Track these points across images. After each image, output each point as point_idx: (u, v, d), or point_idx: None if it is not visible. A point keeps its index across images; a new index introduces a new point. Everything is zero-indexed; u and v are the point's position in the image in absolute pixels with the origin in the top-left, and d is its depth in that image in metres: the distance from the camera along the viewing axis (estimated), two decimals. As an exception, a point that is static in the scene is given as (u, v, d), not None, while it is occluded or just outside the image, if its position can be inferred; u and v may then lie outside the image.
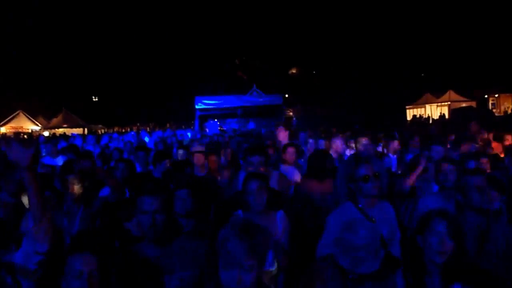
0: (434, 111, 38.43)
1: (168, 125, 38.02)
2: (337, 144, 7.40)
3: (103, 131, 37.34)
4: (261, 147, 6.14)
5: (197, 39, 53.11)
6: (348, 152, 8.08)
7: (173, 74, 52.22)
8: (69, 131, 31.31)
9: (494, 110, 35.82)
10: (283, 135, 7.10)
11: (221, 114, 34.12)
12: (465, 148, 7.21)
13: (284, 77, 53.64)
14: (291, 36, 52.02)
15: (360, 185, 3.45)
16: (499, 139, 8.81)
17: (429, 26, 48.39)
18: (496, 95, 40.68)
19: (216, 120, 34.15)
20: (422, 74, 48.63)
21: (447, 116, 33.35)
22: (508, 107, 36.99)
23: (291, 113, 42.49)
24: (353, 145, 8.18)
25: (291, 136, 9.24)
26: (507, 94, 40.06)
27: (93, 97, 57.06)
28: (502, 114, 33.56)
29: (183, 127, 33.44)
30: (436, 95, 39.58)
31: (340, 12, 51.32)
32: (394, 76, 45.99)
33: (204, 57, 51.95)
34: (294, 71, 57.56)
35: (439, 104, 38.68)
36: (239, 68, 56.98)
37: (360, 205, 3.49)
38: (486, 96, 40.75)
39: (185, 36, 53.38)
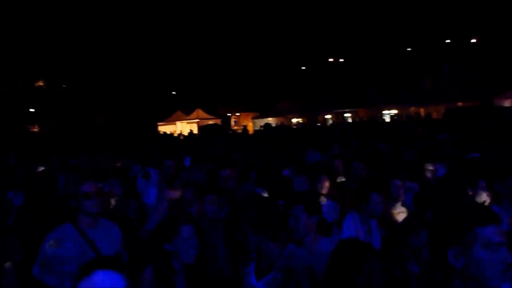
0: (184, 127, 40.37)
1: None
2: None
3: None
4: None
5: None
6: None
7: None
8: None
9: (235, 127, 40.19)
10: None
11: None
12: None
13: (29, 90, 48.98)
14: (36, 46, 48.05)
15: (82, 202, 3.40)
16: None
17: (178, 49, 51.06)
18: (238, 114, 45.74)
19: None
20: (174, 92, 50.76)
21: (195, 132, 35.48)
22: (247, 124, 41.61)
23: (36, 129, 38.86)
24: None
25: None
26: (247, 113, 45.47)
27: None
28: (241, 130, 37.59)
29: None
30: (186, 113, 41.84)
31: (97, 29, 49.84)
32: (146, 93, 46.88)
33: None
34: (41, 83, 52.91)
35: (188, 121, 40.89)
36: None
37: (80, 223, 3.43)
38: (229, 114, 45.35)
39: None
